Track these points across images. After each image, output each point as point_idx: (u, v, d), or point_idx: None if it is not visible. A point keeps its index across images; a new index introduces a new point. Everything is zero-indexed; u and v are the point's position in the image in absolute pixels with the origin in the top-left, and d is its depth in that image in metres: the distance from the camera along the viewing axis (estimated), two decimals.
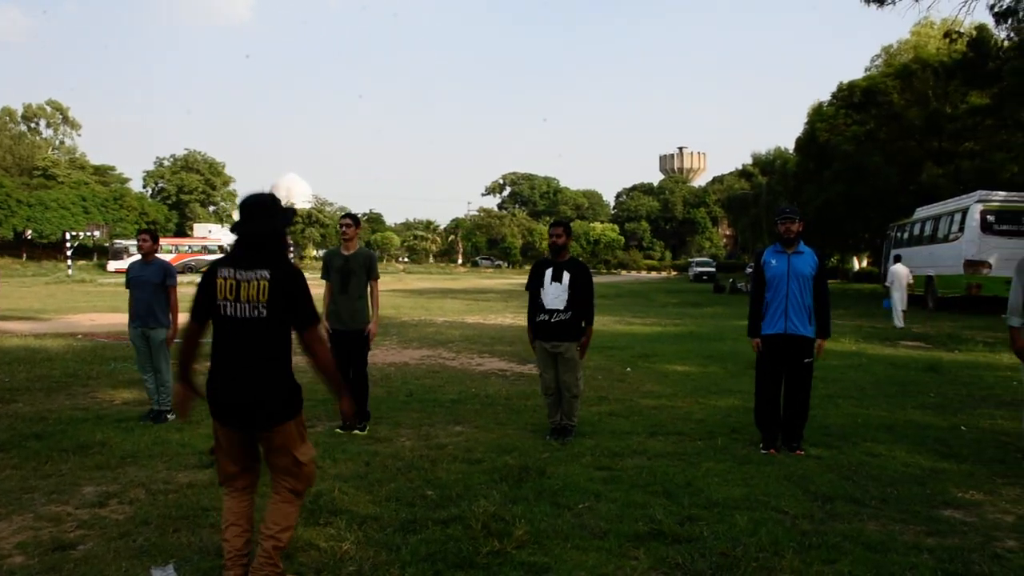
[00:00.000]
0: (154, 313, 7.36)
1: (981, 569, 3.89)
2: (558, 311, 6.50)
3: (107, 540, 4.22)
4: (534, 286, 6.71)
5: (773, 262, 6.27)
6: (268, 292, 3.47)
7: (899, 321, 17.57)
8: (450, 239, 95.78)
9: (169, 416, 7.26)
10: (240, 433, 3.59)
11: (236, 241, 3.65)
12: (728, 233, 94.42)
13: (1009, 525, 4.58)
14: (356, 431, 6.77)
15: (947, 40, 28.10)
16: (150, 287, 7.36)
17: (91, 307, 22.08)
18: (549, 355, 6.63)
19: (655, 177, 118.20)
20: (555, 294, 6.52)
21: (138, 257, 7.65)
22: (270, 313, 3.48)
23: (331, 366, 3.71)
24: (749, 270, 41.66)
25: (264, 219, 3.59)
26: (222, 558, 3.66)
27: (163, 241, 57.71)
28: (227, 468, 3.67)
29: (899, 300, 17.81)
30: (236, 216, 3.73)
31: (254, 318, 3.48)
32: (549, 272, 6.59)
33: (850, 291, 37.46)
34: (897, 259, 19.09)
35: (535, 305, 6.67)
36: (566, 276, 6.53)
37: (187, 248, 58.43)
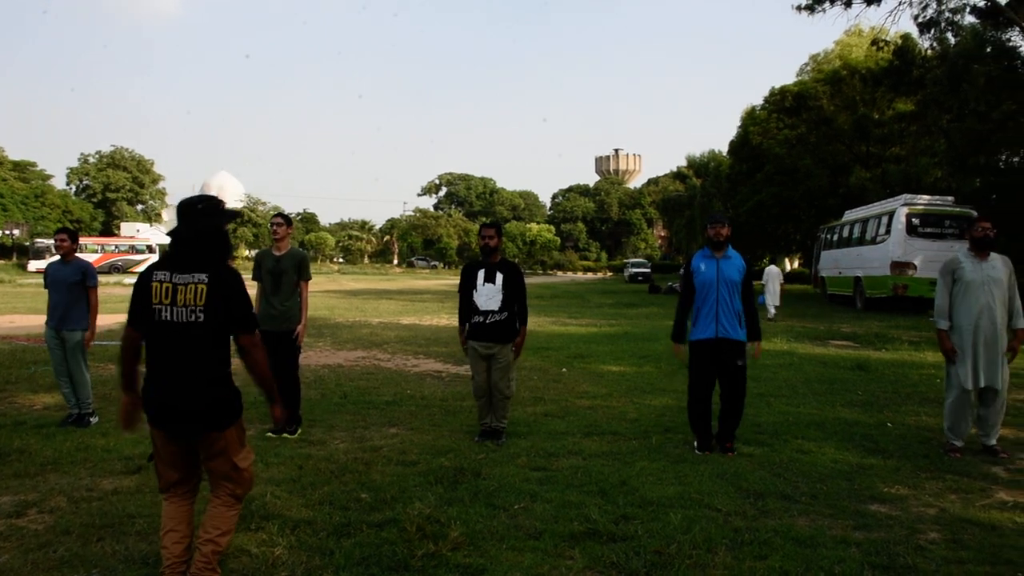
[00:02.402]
0: (70, 315, 7.07)
1: (905, 561, 3.99)
2: (493, 312, 6.45)
3: (24, 552, 4.05)
4: (466, 288, 6.63)
5: (703, 267, 6.32)
6: (206, 296, 3.38)
7: (770, 312, 20.24)
8: (385, 239, 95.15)
9: (92, 419, 7.03)
10: (179, 439, 3.50)
11: (172, 242, 3.54)
12: (663, 234, 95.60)
13: (931, 518, 4.71)
14: (286, 435, 6.64)
15: (874, 48, 29.00)
16: (67, 288, 7.06)
17: (10, 308, 21.22)
18: (482, 357, 6.57)
19: (591, 178, 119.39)
20: (489, 295, 6.46)
21: (58, 257, 7.37)
22: (207, 317, 3.40)
23: (267, 373, 3.64)
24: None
25: (203, 219, 3.50)
26: (158, 566, 3.54)
27: (89, 240, 55.82)
28: (168, 475, 3.57)
29: (771, 296, 20.58)
30: (167, 217, 3.61)
31: (191, 322, 3.39)
32: (482, 274, 6.53)
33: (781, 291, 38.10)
34: (771, 261, 21.15)
35: (468, 307, 6.59)
36: (499, 277, 6.48)
37: (113, 248, 56.60)
